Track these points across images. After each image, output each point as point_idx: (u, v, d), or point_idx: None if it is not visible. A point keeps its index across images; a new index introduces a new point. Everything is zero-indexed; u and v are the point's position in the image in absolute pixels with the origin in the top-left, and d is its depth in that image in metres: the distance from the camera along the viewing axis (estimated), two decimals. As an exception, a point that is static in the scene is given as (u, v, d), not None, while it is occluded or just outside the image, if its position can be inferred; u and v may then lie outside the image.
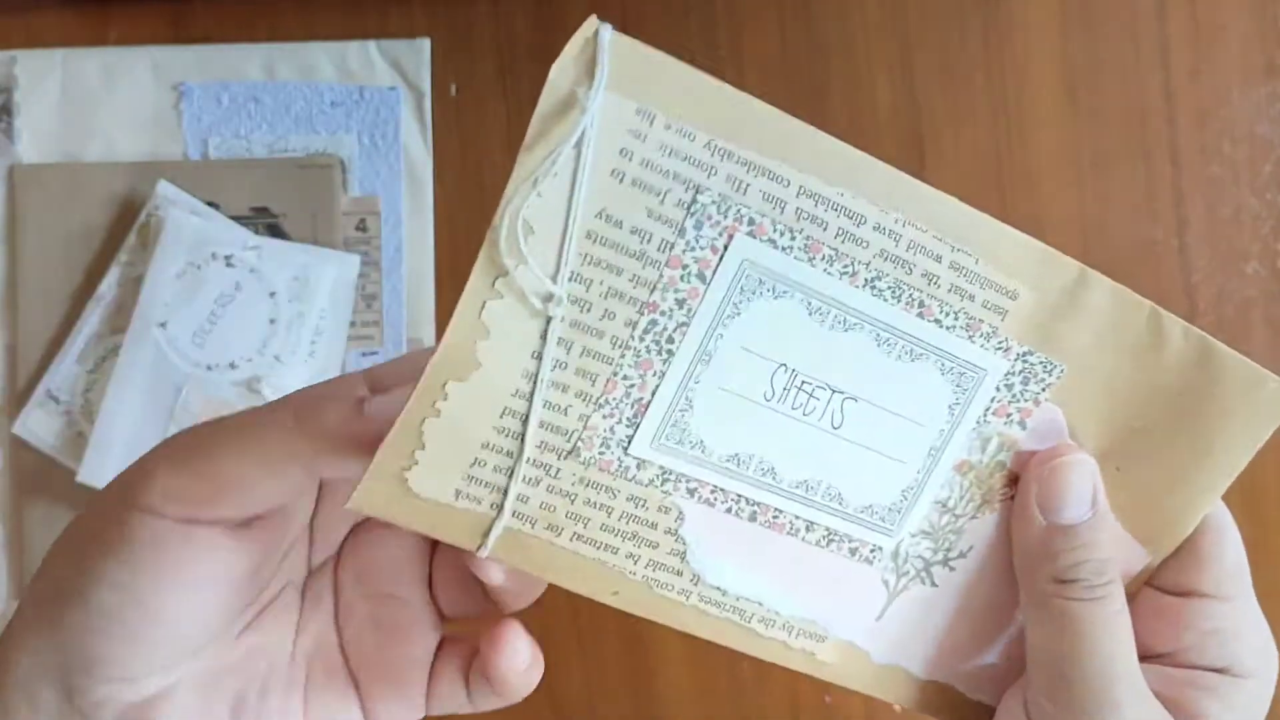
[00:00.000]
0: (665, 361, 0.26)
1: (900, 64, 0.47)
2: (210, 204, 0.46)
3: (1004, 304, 0.27)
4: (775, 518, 0.29)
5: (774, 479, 0.28)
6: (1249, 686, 0.29)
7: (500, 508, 0.26)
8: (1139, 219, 0.47)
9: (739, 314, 0.26)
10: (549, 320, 0.25)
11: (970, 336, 0.27)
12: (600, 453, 0.27)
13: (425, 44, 0.47)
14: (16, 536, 0.46)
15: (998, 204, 0.47)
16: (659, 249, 0.25)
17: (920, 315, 0.27)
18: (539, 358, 0.25)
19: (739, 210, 0.25)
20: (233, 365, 0.44)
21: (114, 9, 0.47)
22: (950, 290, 0.27)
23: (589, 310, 0.25)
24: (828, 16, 0.47)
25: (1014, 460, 0.29)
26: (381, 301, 0.47)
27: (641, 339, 0.26)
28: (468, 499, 0.26)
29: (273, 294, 0.45)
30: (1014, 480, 0.29)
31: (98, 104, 0.47)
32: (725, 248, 0.25)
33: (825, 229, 0.26)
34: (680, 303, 0.25)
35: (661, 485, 0.27)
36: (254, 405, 0.29)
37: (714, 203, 0.25)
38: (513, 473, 0.26)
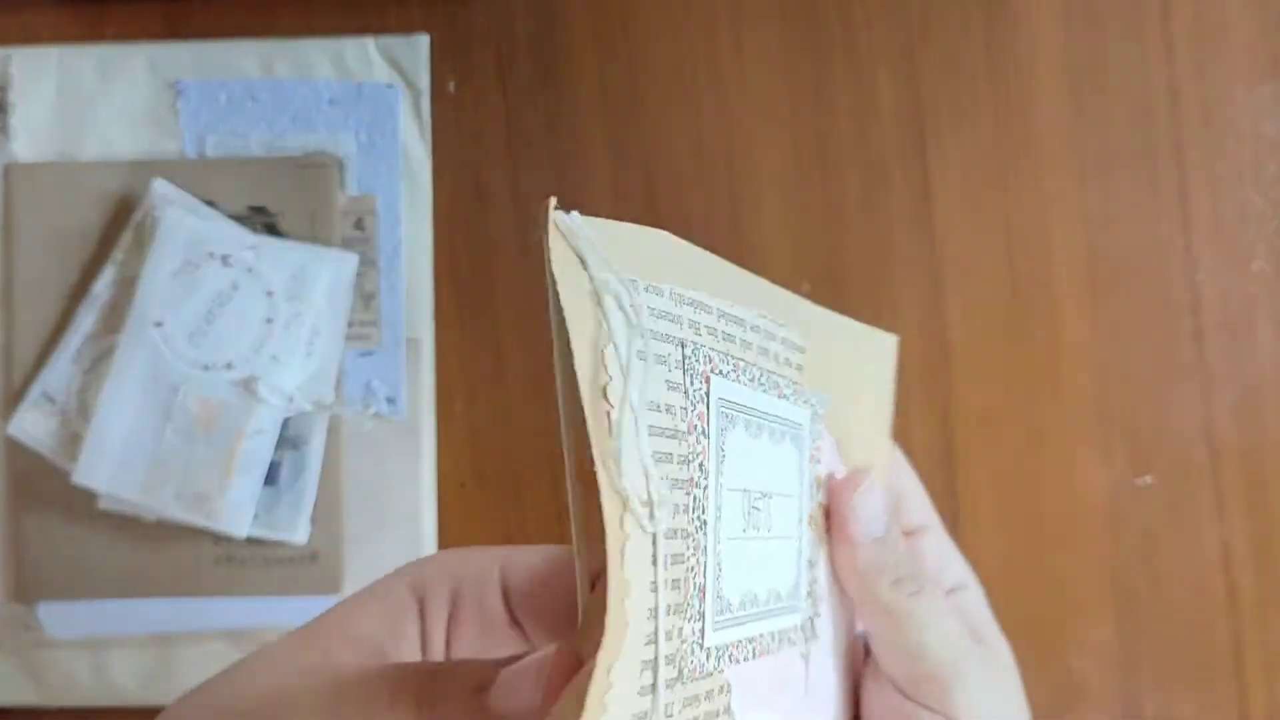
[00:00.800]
0: (703, 534, 0.23)
1: (902, 62, 0.47)
2: (207, 203, 0.46)
3: (799, 359, 0.28)
4: (767, 644, 0.27)
5: (756, 604, 0.26)
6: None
7: None
8: (1143, 217, 0.47)
9: (725, 456, 0.24)
10: (654, 537, 0.21)
11: (794, 399, 0.27)
12: (690, 662, 0.23)
13: (424, 41, 0.47)
14: (12, 538, 0.46)
15: (1000, 203, 0.47)
16: (681, 419, 0.23)
17: (779, 397, 0.27)
18: (653, 588, 0.21)
19: (705, 352, 0.24)
20: (229, 365, 0.44)
21: (110, 6, 0.47)
22: (782, 364, 0.27)
23: (665, 511, 0.22)
24: (829, 15, 0.47)
25: (823, 493, 0.30)
26: (379, 301, 0.46)
27: (692, 521, 0.23)
28: None
29: (270, 293, 0.45)
30: (826, 513, 0.30)
31: (94, 102, 0.46)
32: (708, 394, 0.24)
33: (734, 343, 0.25)
34: (700, 467, 0.23)
35: (719, 666, 0.24)
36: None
37: (693, 353, 0.23)
38: None
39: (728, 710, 0.24)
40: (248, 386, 0.44)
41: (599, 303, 0.21)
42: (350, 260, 0.45)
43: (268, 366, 0.44)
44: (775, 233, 0.47)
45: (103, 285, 0.45)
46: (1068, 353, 0.46)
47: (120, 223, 0.46)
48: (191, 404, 0.44)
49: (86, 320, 0.45)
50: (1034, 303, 0.47)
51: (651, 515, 0.21)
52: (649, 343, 0.21)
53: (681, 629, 0.22)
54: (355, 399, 0.46)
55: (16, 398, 0.46)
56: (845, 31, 0.47)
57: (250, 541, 0.45)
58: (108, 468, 0.44)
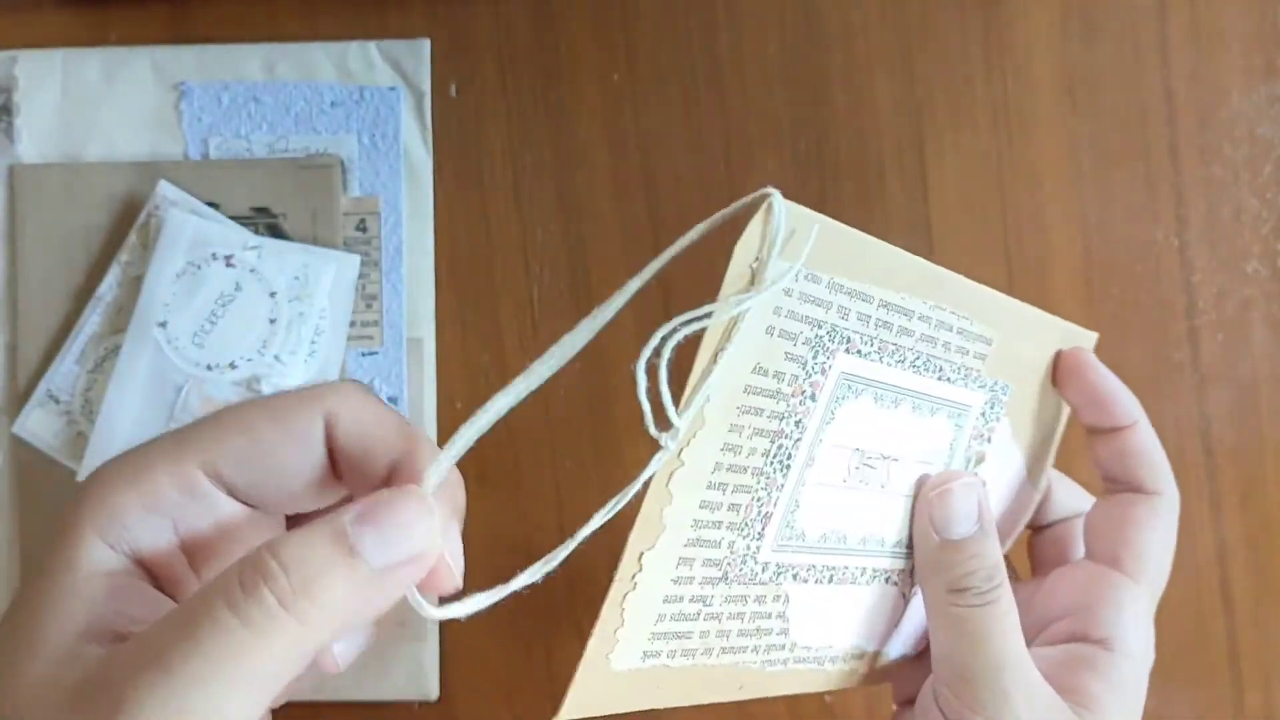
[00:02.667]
0: (784, 475, 0.29)
1: (900, 64, 0.47)
2: (210, 204, 0.46)
3: (985, 350, 0.32)
4: (845, 574, 0.33)
5: (843, 542, 0.32)
6: (1126, 666, 0.32)
7: (677, 654, 0.29)
8: (1139, 219, 0.47)
9: (833, 418, 0.29)
10: (714, 469, 0.27)
11: (966, 383, 0.32)
12: (740, 569, 0.30)
13: (425, 44, 0.47)
14: (16, 537, 0.46)
15: (998, 204, 0.47)
16: (789, 381, 0.28)
17: (939, 378, 0.32)
18: (705, 506, 0.27)
19: (842, 333, 0.28)
20: (233, 365, 0.44)
21: (114, 9, 0.47)
22: (958, 351, 0.32)
23: (740, 453, 0.28)
24: (828, 17, 0.47)
25: (983, 469, 0.34)
26: (381, 301, 0.47)
27: (771, 463, 0.29)
28: (652, 656, 0.28)
29: (273, 294, 0.45)
30: (982, 484, 0.33)
31: (98, 104, 0.47)
32: (830, 368, 0.29)
33: (890, 330, 0.30)
34: (798, 423, 0.29)
35: (777, 579, 0.31)
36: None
37: (828, 333, 0.28)
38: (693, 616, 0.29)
39: (782, 616, 0.31)
40: (251, 386, 0.44)
41: (752, 280, 0.26)
42: (352, 261, 0.46)
43: (271, 366, 0.44)
44: (774, 234, 0.47)
45: (107, 286, 0.46)
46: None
47: (125, 224, 0.46)
48: (195, 404, 0.44)
49: (91, 321, 0.46)
50: (1031, 303, 0.47)
51: (723, 452, 0.27)
52: (782, 320, 0.27)
53: (734, 543, 0.29)
54: (357, 399, 0.46)
55: (22, 397, 0.46)
56: (844, 33, 0.47)
57: (253, 540, 0.45)
58: (112, 467, 0.44)
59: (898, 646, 0.36)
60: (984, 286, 0.32)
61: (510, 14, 0.47)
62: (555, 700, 0.47)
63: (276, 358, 0.44)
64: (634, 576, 0.27)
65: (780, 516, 0.30)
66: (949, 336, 0.31)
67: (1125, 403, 0.35)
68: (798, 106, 0.47)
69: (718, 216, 0.26)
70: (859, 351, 0.29)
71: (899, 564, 0.34)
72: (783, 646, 0.32)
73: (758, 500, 0.29)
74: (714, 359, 0.26)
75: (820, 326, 0.28)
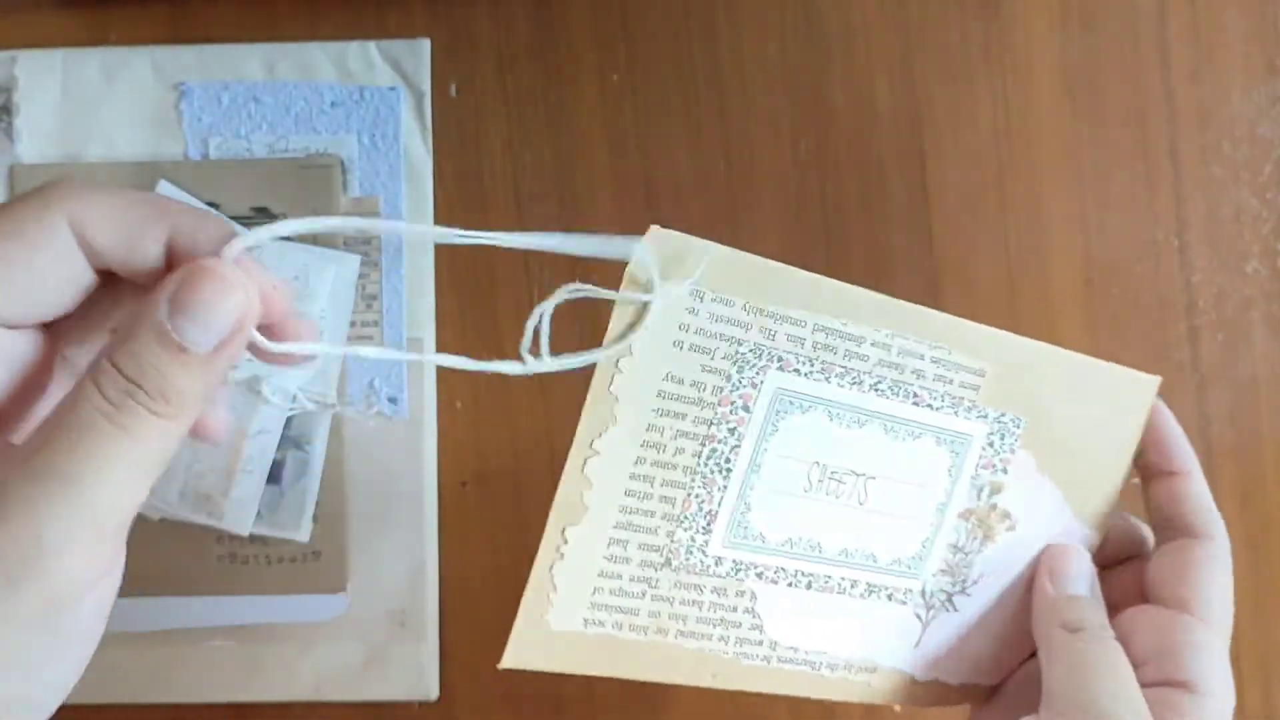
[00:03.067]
0: (725, 477, 0.33)
1: (900, 65, 0.47)
2: (210, 204, 0.46)
3: (976, 381, 0.35)
4: (826, 582, 0.35)
5: (820, 552, 0.35)
6: (1212, 706, 0.34)
7: (624, 627, 0.33)
8: (1139, 219, 0.47)
9: (777, 430, 0.33)
10: (634, 464, 0.31)
11: (955, 411, 0.35)
12: (686, 558, 0.33)
13: (425, 44, 0.47)
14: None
15: (997, 204, 0.47)
16: (712, 393, 0.32)
17: (915, 403, 0.34)
18: (631, 494, 0.32)
19: (770, 352, 0.32)
20: (233, 365, 0.44)
21: (114, 9, 0.47)
22: (935, 379, 0.34)
23: (664, 450, 0.32)
24: (828, 18, 0.47)
25: (1003, 499, 0.36)
26: (381, 301, 0.47)
27: (705, 463, 0.32)
28: (595, 624, 0.33)
29: (273, 294, 0.45)
30: (1006, 515, 0.36)
31: (98, 104, 0.47)
32: (761, 383, 0.32)
33: (835, 353, 0.33)
34: (732, 430, 0.32)
35: (736, 575, 0.34)
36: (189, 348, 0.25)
37: (751, 350, 0.32)
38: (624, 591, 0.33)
39: (751, 612, 0.35)
40: (251, 386, 0.44)
41: (646, 303, 0.30)
42: (353, 261, 0.46)
43: (271, 366, 0.44)
44: (774, 234, 0.47)
45: (107, 286, 0.46)
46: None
47: (124, 224, 0.46)
48: (195, 404, 0.44)
49: (91, 321, 0.46)
50: (1031, 304, 0.47)
51: (641, 446, 0.31)
52: (691, 336, 0.31)
53: (674, 533, 0.33)
54: (358, 398, 0.46)
55: (22, 397, 0.46)
56: (843, 33, 0.47)
57: (253, 540, 0.45)
58: (112, 467, 0.44)
59: (926, 668, 0.38)
60: (979, 325, 0.34)
61: (510, 14, 0.47)
62: (556, 701, 0.47)
63: (276, 358, 0.44)
64: (559, 548, 0.32)
65: (728, 516, 0.33)
66: (919, 364, 0.33)
67: (1186, 450, 0.37)
68: (798, 106, 0.47)
69: (588, 242, 0.30)
70: (796, 370, 0.32)
71: (903, 582, 0.36)
72: (759, 642, 0.35)
73: (696, 498, 0.33)
74: (615, 364, 0.30)
75: (741, 344, 0.31)
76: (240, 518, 0.44)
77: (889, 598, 0.36)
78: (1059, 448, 0.36)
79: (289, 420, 0.45)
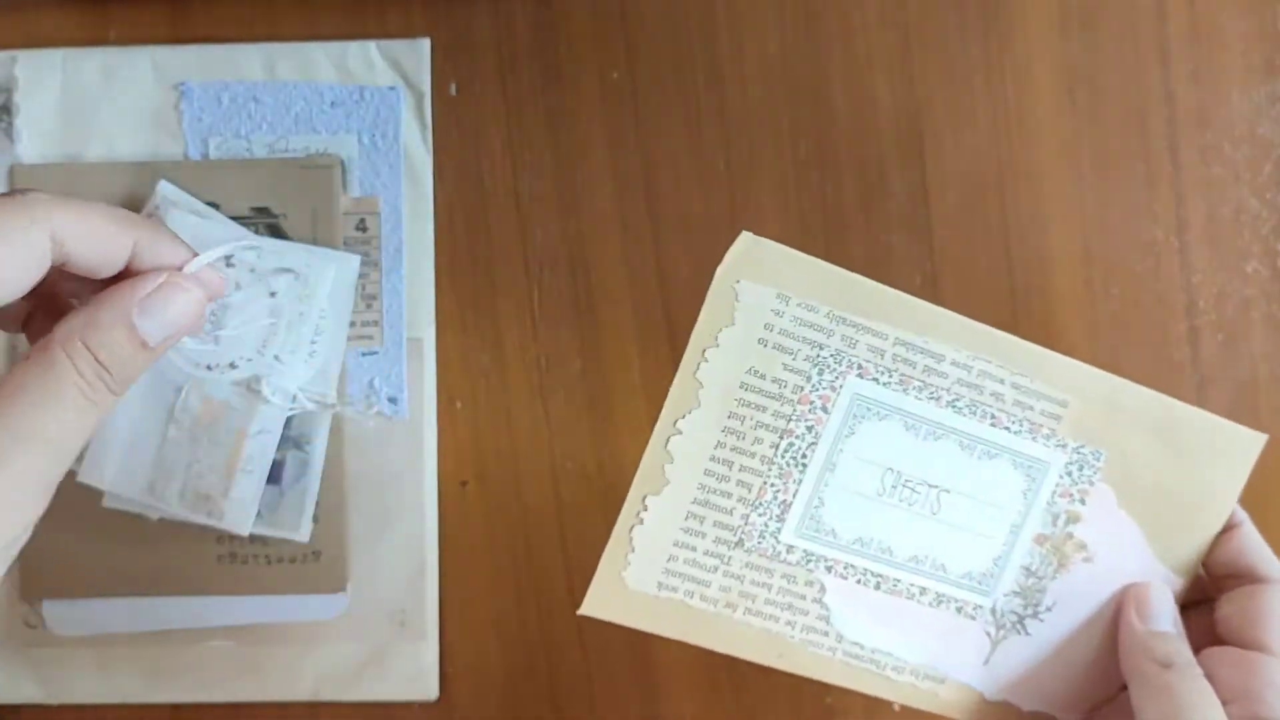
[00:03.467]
0: (801, 471, 0.35)
1: (900, 64, 0.47)
2: (210, 204, 0.46)
3: (1058, 411, 0.36)
4: (895, 585, 0.37)
5: (890, 555, 0.37)
6: None
7: (695, 595, 0.36)
8: (1139, 219, 0.47)
9: (854, 433, 0.35)
10: (715, 447, 0.34)
11: (1034, 437, 0.36)
12: (759, 542, 0.36)
13: (425, 44, 0.47)
14: (16, 536, 0.46)
15: (997, 204, 0.47)
16: (793, 391, 0.35)
17: (993, 424, 0.36)
18: (710, 474, 0.35)
19: (850, 359, 0.35)
20: (233, 365, 0.44)
21: (114, 8, 0.47)
22: (1014, 404, 0.36)
23: (744, 438, 0.35)
24: (828, 17, 0.47)
25: (1080, 529, 0.38)
26: (382, 301, 0.47)
27: (782, 456, 0.35)
28: (668, 589, 0.36)
29: (273, 294, 0.45)
30: (1082, 546, 0.38)
31: (98, 104, 0.47)
32: (840, 387, 0.35)
33: (914, 367, 0.35)
34: (809, 428, 0.35)
35: (806, 565, 0.36)
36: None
37: (832, 355, 0.34)
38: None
39: (820, 602, 0.37)
40: (251, 386, 0.44)
41: (736, 298, 0.34)
42: (353, 261, 0.46)
43: (271, 366, 0.44)
44: (774, 234, 0.47)
45: (107, 286, 0.46)
46: (1064, 353, 0.47)
47: (124, 224, 0.46)
48: (195, 404, 0.44)
49: (91, 321, 0.46)
50: (1031, 304, 0.47)
51: (721, 432, 0.34)
52: (776, 335, 0.34)
53: (749, 516, 0.35)
54: (358, 398, 0.46)
55: (21, 397, 0.46)
56: (843, 33, 0.47)
57: (253, 540, 0.45)
58: (112, 467, 0.44)
59: (996, 688, 0.39)
60: (1052, 353, 0.36)
61: (510, 14, 0.47)
62: (555, 701, 0.48)
63: (276, 358, 0.44)
64: (639, 514, 0.35)
65: (801, 507, 0.36)
66: (998, 388, 0.36)
67: (1237, 505, 0.39)
68: (798, 106, 0.47)
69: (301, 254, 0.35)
70: (875, 379, 0.35)
71: (973, 598, 0.38)
72: (825, 633, 0.37)
73: (772, 486, 0.35)
74: (702, 353, 0.34)
75: (823, 349, 0.34)
76: (240, 518, 0.44)
77: (958, 610, 0.38)
78: (1142, 487, 0.38)
79: (289, 420, 0.45)
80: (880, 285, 0.34)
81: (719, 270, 0.33)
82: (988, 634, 0.38)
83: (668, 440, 0.34)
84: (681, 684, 0.47)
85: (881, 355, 0.35)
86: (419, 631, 0.46)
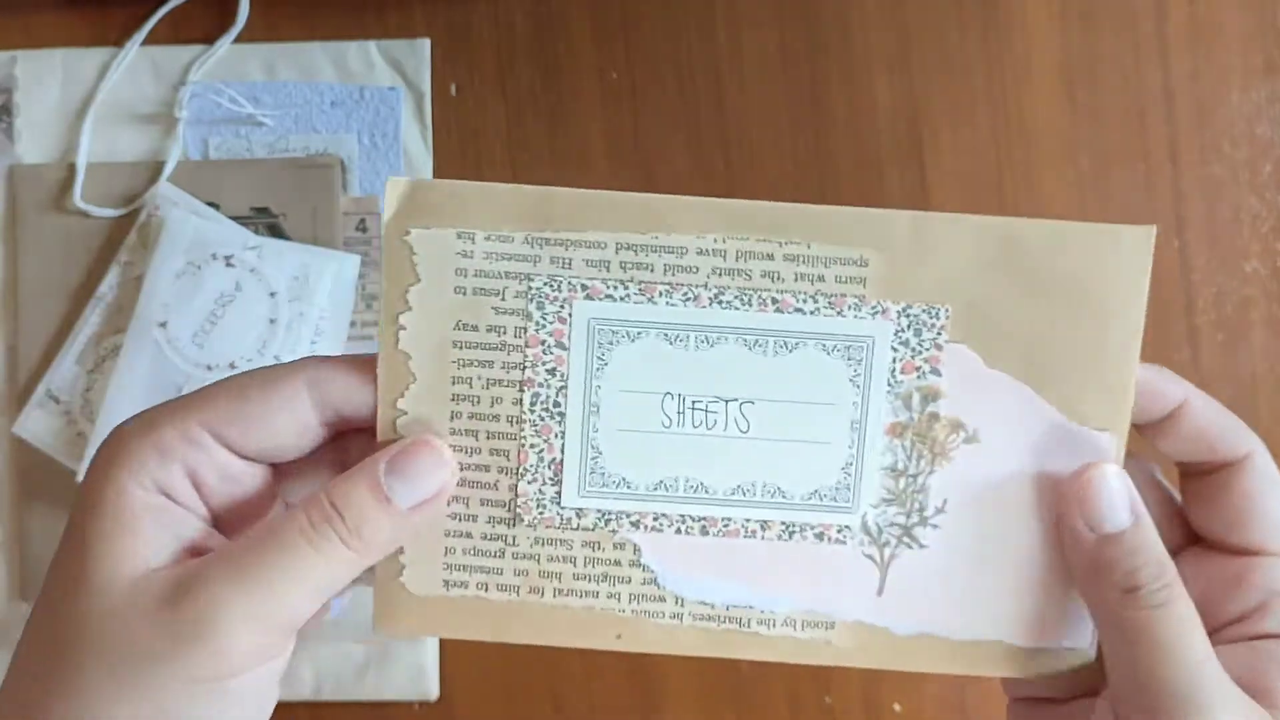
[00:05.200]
0: (560, 423, 0.30)
1: (899, 63, 0.47)
2: (210, 204, 0.46)
3: (858, 273, 0.29)
4: (726, 525, 0.30)
5: (706, 493, 0.30)
6: None
7: (491, 588, 0.31)
8: (1138, 218, 0.47)
9: (607, 363, 0.30)
10: (451, 419, 0.30)
11: (839, 312, 0.29)
12: (540, 513, 0.30)
13: (425, 44, 0.47)
14: (16, 537, 0.46)
15: (996, 203, 0.47)
16: (515, 335, 0.29)
17: (779, 310, 0.29)
18: (457, 450, 0.30)
19: (570, 282, 0.29)
20: (233, 365, 0.44)
21: (113, 9, 0.47)
22: (797, 279, 0.29)
23: (479, 402, 0.30)
24: (827, 16, 0.47)
25: (946, 406, 0.30)
26: (382, 302, 0.47)
27: (532, 409, 0.30)
28: (457, 586, 0.31)
29: (273, 294, 0.45)
30: (958, 425, 0.30)
31: (98, 104, 0.47)
32: (569, 317, 0.29)
33: (652, 270, 0.29)
34: (552, 371, 0.30)
35: (606, 526, 0.31)
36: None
37: (546, 284, 0.29)
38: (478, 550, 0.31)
39: (638, 565, 0.31)
40: (251, 386, 0.44)
41: (412, 251, 0.29)
42: (353, 261, 0.46)
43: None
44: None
45: (107, 286, 0.46)
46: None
47: (125, 224, 0.46)
48: (195, 403, 0.44)
49: (91, 320, 0.46)
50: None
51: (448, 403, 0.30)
52: (471, 279, 0.29)
53: (517, 486, 0.30)
54: (357, 398, 0.46)
55: (22, 397, 0.46)
56: (842, 32, 0.47)
57: (253, 540, 0.45)
58: (112, 467, 0.44)
59: (906, 622, 0.31)
60: (821, 207, 0.29)
61: (510, 14, 0.47)
62: (555, 700, 0.48)
63: (276, 358, 0.45)
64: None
65: (575, 463, 0.30)
66: (769, 265, 0.29)
67: (1172, 385, 0.30)
68: (798, 106, 0.47)
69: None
70: (609, 296, 0.29)
71: (832, 519, 0.30)
72: (660, 599, 0.31)
73: (533, 448, 0.30)
74: (395, 320, 0.29)
75: (532, 279, 0.29)
76: (240, 517, 0.44)
77: (819, 537, 0.30)
78: (1013, 336, 0.30)
79: (289, 420, 0.45)
80: (577, 190, 0.29)
81: (383, 226, 0.29)
82: (869, 557, 0.31)
83: (394, 424, 0.29)
84: (681, 684, 0.47)
85: (606, 267, 0.29)
86: (419, 631, 0.46)
